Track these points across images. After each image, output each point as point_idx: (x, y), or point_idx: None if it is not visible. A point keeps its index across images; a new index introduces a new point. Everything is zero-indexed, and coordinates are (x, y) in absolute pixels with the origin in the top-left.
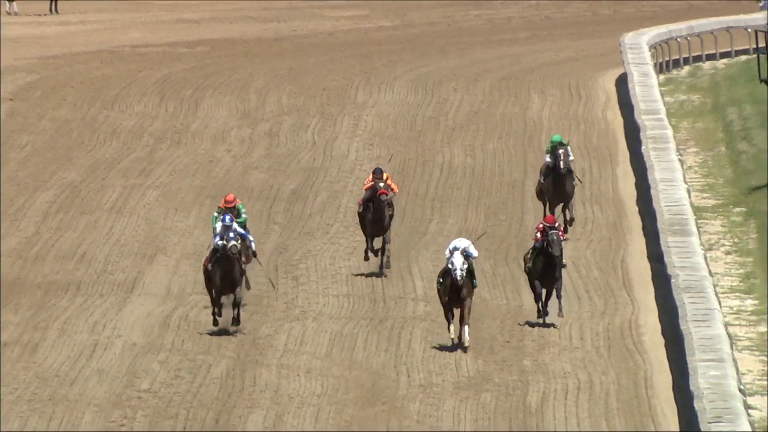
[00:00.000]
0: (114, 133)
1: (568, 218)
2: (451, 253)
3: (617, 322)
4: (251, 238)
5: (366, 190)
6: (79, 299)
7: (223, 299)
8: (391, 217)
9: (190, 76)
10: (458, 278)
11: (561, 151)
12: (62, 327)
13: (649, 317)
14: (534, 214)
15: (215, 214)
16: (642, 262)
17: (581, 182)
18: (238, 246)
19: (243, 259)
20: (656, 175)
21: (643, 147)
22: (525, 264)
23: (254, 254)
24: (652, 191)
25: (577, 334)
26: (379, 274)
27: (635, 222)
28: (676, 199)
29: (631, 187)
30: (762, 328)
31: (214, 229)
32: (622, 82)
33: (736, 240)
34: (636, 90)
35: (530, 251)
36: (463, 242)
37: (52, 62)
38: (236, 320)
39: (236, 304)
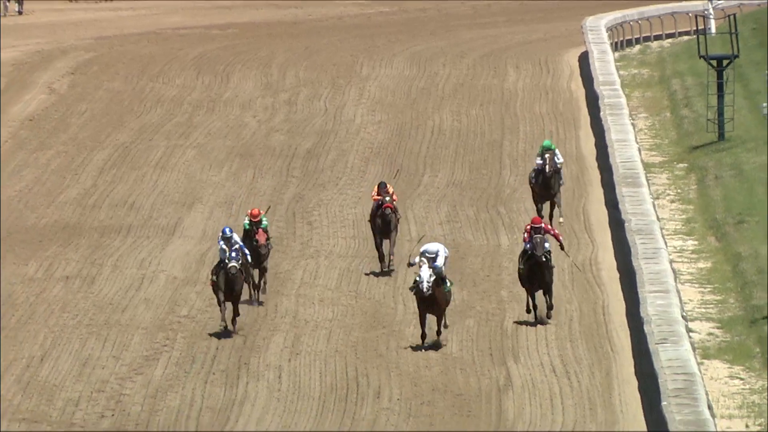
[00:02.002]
0: (158, 102)
1: (554, 211)
2: (420, 261)
3: (579, 260)
4: (247, 252)
5: (374, 200)
6: (129, 240)
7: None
8: (398, 220)
9: (222, 53)
10: (424, 290)
11: (547, 155)
12: (115, 263)
13: (606, 255)
14: (510, 170)
15: (245, 223)
16: (600, 209)
17: (563, 183)
18: (237, 266)
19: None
20: (612, 136)
21: (601, 113)
22: (518, 264)
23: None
24: (609, 150)
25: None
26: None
27: (594, 175)
28: (628, 156)
29: (591, 146)
30: (701, 264)
31: (219, 241)
32: (583, 59)
33: (679, 191)
34: (595, 65)
35: (521, 253)
36: (433, 247)
37: (107, 42)
38: (233, 323)
39: (235, 316)
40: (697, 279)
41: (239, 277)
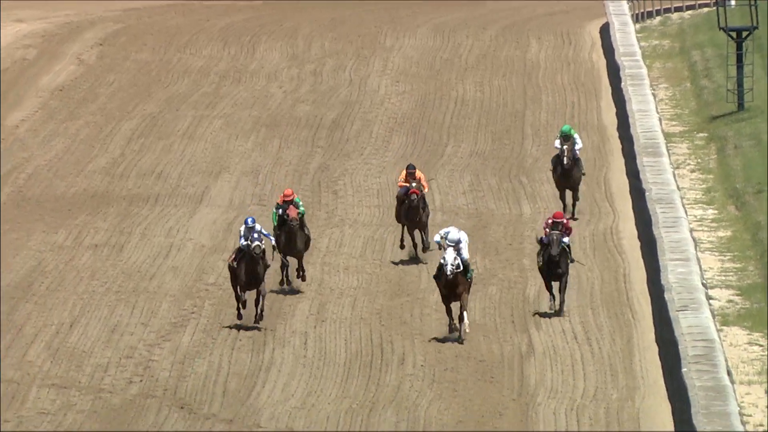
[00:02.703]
0: (186, 72)
1: (573, 203)
2: (443, 245)
3: (601, 228)
4: (272, 237)
5: (400, 186)
6: (157, 209)
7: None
8: (426, 215)
9: (248, 24)
10: (448, 273)
11: (566, 146)
12: (143, 231)
13: (627, 224)
14: (532, 140)
15: (273, 210)
16: (621, 179)
17: (584, 174)
18: (262, 246)
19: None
20: (633, 106)
21: (622, 83)
22: (537, 257)
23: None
24: (630, 120)
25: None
26: (417, 259)
27: (615, 145)
28: (649, 126)
29: (612, 116)
30: (721, 233)
31: (240, 231)
32: (605, 30)
33: (699, 160)
34: (616, 36)
35: (540, 246)
36: (454, 235)
37: (135, 13)
38: (260, 316)
39: (259, 301)
40: (716, 247)
41: (262, 260)
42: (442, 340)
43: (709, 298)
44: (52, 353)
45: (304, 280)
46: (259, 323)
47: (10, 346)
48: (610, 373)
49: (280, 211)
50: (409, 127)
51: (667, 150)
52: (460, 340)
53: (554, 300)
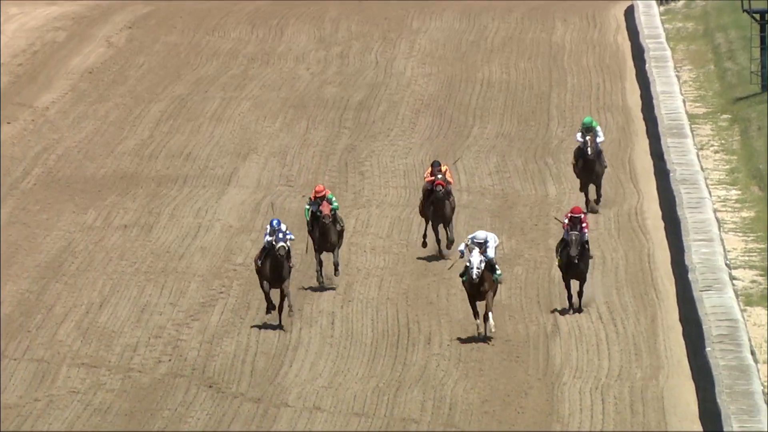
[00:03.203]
0: (214, 55)
1: (596, 197)
2: (469, 247)
3: (625, 209)
4: (291, 236)
5: (426, 181)
6: (186, 190)
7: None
8: (452, 209)
9: (276, 8)
10: (474, 277)
11: (589, 137)
12: (172, 212)
13: (652, 205)
14: (557, 122)
15: (306, 206)
16: (646, 159)
17: (606, 167)
18: (287, 247)
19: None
20: (657, 88)
21: (646, 65)
22: (556, 254)
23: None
24: (654, 101)
25: (592, 218)
26: (438, 255)
27: (640, 126)
28: (673, 108)
29: (637, 98)
30: (744, 214)
31: (265, 229)
32: (629, 13)
33: (722, 141)
34: (641, 19)
35: (560, 241)
36: (481, 234)
37: None
38: (290, 310)
39: (284, 298)
40: (740, 228)
41: (288, 261)
42: (468, 320)
43: (732, 278)
44: (82, 333)
45: (337, 274)
46: (285, 320)
47: (41, 326)
48: (634, 352)
49: (314, 207)
50: (435, 108)
51: (691, 131)
52: (485, 340)
53: (571, 299)
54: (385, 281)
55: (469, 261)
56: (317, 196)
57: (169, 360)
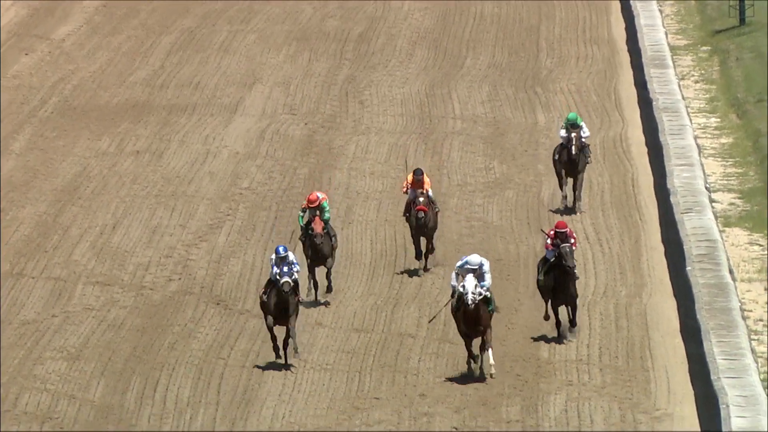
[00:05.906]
0: None
1: (576, 194)
2: (461, 275)
3: (610, 136)
4: (297, 267)
5: (406, 189)
6: (195, 118)
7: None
8: (436, 214)
9: None
10: (469, 302)
11: (574, 134)
12: (182, 139)
13: (635, 132)
14: (546, 53)
15: (300, 213)
16: (630, 89)
17: (590, 162)
18: (291, 283)
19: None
20: (641, 21)
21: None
22: (537, 273)
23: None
24: (638, 34)
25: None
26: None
27: (624, 58)
28: (656, 40)
29: (622, 30)
30: (723, 140)
31: (271, 260)
32: None
33: (702, 72)
34: None
35: (541, 260)
36: (474, 259)
37: None
38: (295, 351)
39: (289, 338)
40: (719, 153)
41: (293, 296)
42: (462, 241)
43: (712, 201)
44: (97, 253)
45: (329, 291)
46: (291, 360)
47: (58, 246)
48: (619, 271)
49: (307, 216)
50: (430, 41)
51: (673, 62)
52: (482, 378)
53: (560, 326)
54: (384, 204)
55: (463, 286)
56: (310, 206)
57: (179, 278)
